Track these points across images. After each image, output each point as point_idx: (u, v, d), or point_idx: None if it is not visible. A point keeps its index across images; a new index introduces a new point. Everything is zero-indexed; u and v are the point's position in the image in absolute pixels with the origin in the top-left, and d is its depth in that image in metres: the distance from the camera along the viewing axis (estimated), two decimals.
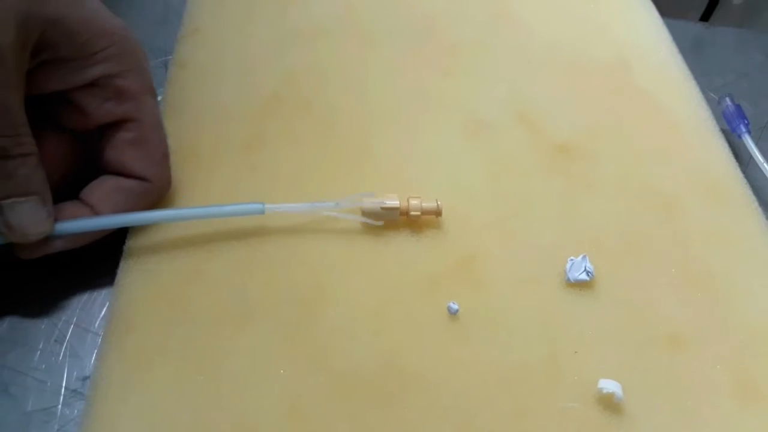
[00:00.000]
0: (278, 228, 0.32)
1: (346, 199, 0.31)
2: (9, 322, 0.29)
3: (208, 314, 0.29)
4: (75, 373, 0.28)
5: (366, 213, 0.31)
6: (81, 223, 0.28)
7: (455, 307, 0.29)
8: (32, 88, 0.26)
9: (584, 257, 0.31)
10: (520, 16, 0.44)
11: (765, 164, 0.36)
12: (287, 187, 0.33)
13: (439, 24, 0.43)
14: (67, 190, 0.30)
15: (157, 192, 0.31)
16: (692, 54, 0.44)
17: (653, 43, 0.43)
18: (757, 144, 0.37)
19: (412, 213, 0.31)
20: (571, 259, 0.31)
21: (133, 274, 0.29)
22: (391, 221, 0.32)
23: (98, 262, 0.31)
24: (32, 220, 0.26)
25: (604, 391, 0.27)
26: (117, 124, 0.29)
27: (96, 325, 0.29)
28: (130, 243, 0.31)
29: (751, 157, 0.37)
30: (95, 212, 0.29)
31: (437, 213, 0.31)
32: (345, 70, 0.40)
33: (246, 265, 0.30)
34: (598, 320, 0.30)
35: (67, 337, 0.29)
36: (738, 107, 0.38)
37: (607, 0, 0.46)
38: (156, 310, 0.29)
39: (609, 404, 0.27)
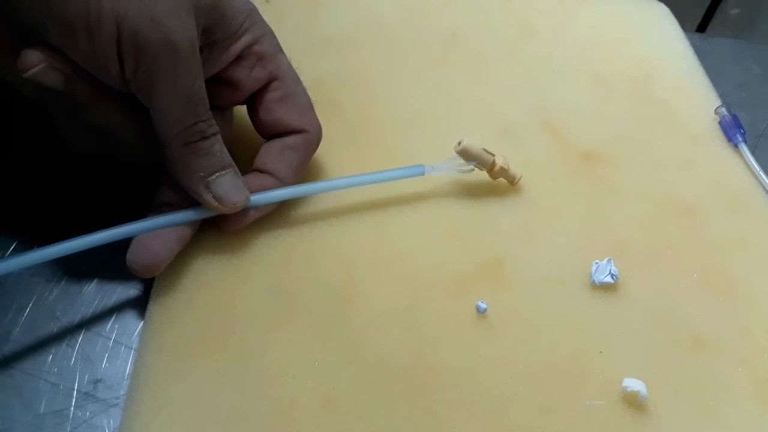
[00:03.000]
0: (312, 227, 0.34)
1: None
2: (22, 327, 0.31)
3: (245, 308, 0.31)
4: (87, 376, 0.30)
5: (463, 152, 0.34)
6: (273, 194, 0.32)
7: (483, 305, 0.30)
8: None
9: (609, 260, 0.32)
10: (543, 27, 0.47)
11: (761, 173, 0.39)
12: None
13: (465, 34, 0.45)
14: None
15: (315, 140, 0.34)
16: None
17: (674, 55, 0.46)
18: (753, 153, 0.40)
19: (500, 166, 0.35)
20: (597, 263, 0.32)
21: (173, 269, 0.32)
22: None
23: (109, 267, 0.33)
24: (235, 188, 0.30)
25: (629, 389, 0.29)
26: (263, 89, 0.33)
27: (107, 329, 0.31)
28: None
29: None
30: (275, 177, 0.33)
31: (513, 181, 0.36)
32: (374, 76, 0.42)
33: (282, 262, 0.33)
34: (622, 321, 0.32)
35: (79, 341, 0.31)
36: (735, 117, 0.41)
37: (629, 12, 0.49)
38: (195, 303, 0.31)
39: (633, 402, 0.29)
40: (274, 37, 0.33)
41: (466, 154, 0.34)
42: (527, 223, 0.35)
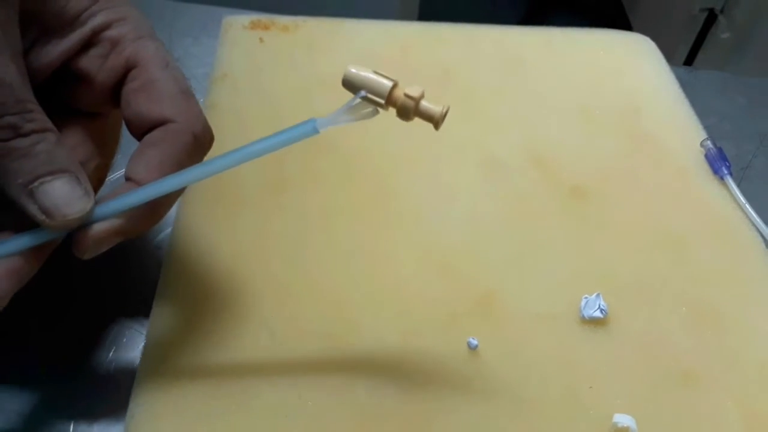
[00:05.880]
0: (306, 265, 0.35)
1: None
2: (18, 370, 0.31)
3: (238, 348, 0.31)
4: (83, 418, 0.30)
5: (347, 82, 0.25)
6: (120, 200, 0.25)
7: (475, 342, 0.31)
8: (35, 72, 0.27)
9: (598, 295, 0.32)
10: (532, 63, 0.47)
11: (747, 205, 0.39)
12: (314, 225, 0.36)
13: (455, 72, 0.45)
14: None
15: (184, 131, 0.27)
16: None
17: (660, 88, 0.47)
18: (739, 184, 0.40)
19: (405, 93, 0.25)
20: (586, 297, 0.33)
21: (167, 307, 0.32)
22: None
23: (103, 308, 0.33)
24: (68, 198, 0.25)
25: (619, 425, 0.29)
26: (124, 82, 0.28)
27: (103, 368, 0.31)
28: (164, 278, 0.33)
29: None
30: (134, 181, 0.26)
31: (434, 119, 0.26)
32: None
33: (274, 300, 0.33)
34: (612, 356, 0.33)
35: (74, 382, 0.31)
36: (720, 150, 0.42)
37: (616, 48, 0.50)
38: (190, 343, 0.31)
39: None
40: (145, 22, 0.29)
41: (351, 85, 0.25)
42: (517, 258, 0.36)
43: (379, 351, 0.31)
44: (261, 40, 0.46)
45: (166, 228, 0.36)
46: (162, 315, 0.32)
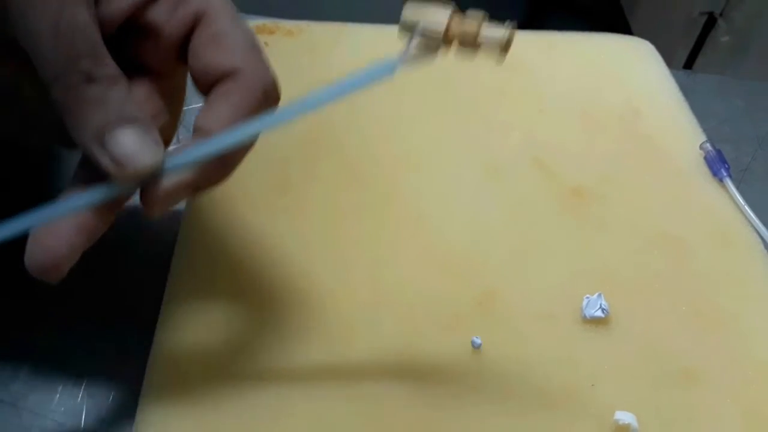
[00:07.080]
0: (309, 267, 0.35)
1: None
2: (29, 366, 0.32)
3: (245, 346, 0.31)
4: (93, 415, 0.30)
5: (403, 24, 0.24)
6: (192, 151, 0.24)
7: (478, 341, 0.31)
8: (104, 24, 0.25)
9: (599, 295, 0.33)
10: (532, 65, 0.48)
11: (746, 207, 0.40)
12: (316, 226, 0.37)
13: (456, 75, 0.46)
14: None
15: (253, 82, 0.26)
16: None
17: (660, 91, 0.47)
18: (738, 187, 0.41)
19: (465, 33, 0.23)
20: (587, 297, 0.33)
21: (174, 318, 0.32)
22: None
23: (112, 303, 0.34)
24: (139, 148, 0.23)
25: (620, 422, 0.30)
26: (192, 35, 0.27)
27: (112, 367, 0.32)
28: (171, 288, 0.34)
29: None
30: (203, 132, 0.26)
31: (504, 47, 0.24)
32: (368, 118, 0.43)
33: (276, 301, 0.33)
34: (613, 355, 0.33)
35: (85, 381, 0.31)
36: (719, 152, 0.42)
37: (616, 50, 0.51)
38: (198, 342, 0.31)
39: None
40: None
41: (406, 26, 0.24)
42: (519, 258, 0.36)
43: (382, 351, 0.32)
44: (266, 44, 0.47)
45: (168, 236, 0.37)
46: (170, 319, 0.32)
